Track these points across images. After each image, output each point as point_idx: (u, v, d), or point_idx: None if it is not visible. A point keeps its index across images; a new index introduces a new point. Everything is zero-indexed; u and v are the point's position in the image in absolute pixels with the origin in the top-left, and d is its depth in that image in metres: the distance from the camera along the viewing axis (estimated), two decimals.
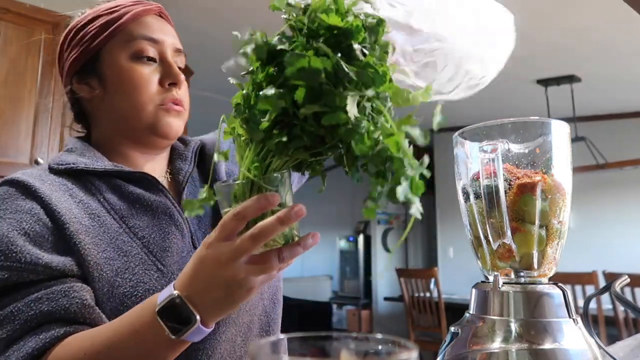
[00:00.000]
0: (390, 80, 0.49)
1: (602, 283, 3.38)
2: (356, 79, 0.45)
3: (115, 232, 0.66)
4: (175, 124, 0.75)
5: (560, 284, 0.58)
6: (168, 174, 0.81)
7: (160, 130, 0.73)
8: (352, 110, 0.43)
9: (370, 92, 0.45)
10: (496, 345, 0.54)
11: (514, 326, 0.54)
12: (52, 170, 0.70)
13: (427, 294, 4.02)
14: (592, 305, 2.99)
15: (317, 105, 0.45)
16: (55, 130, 2.25)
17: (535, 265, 0.59)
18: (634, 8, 0.84)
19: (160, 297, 0.52)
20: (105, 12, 0.74)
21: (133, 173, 0.72)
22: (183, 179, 0.78)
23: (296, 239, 0.51)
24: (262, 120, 0.48)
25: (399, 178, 0.45)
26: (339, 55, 0.46)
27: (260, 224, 0.47)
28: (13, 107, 2.15)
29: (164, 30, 0.77)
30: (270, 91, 0.47)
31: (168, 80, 0.74)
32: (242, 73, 0.50)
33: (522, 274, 0.60)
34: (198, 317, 0.50)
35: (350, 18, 0.46)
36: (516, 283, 0.59)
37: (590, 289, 3.26)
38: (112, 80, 0.73)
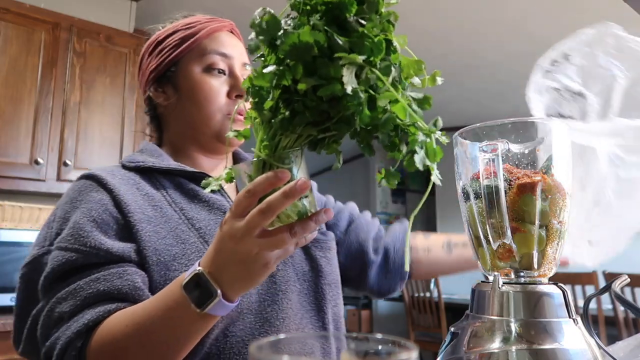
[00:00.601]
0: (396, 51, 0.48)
1: (602, 283, 3.38)
2: (349, 49, 0.45)
3: (175, 222, 0.73)
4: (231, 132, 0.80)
5: (560, 284, 0.58)
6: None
7: (224, 138, 0.81)
8: (348, 80, 0.43)
9: (360, 59, 0.44)
10: (496, 345, 0.54)
11: (513, 326, 0.54)
12: (124, 166, 0.80)
13: (427, 294, 4.02)
14: (592, 305, 2.99)
15: (313, 79, 0.45)
16: (55, 130, 2.25)
17: (535, 265, 0.59)
18: (634, 8, 0.84)
19: (187, 274, 0.56)
20: (183, 27, 0.84)
21: (194, 172, 0.79)
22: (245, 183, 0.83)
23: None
24: (267, 99, 0.48)
25: (413, 146, 0.45)
26: (336, 28, 0.46)
27: (268, 198, 0.48)
28: (13, 107, 2.15)
29: (234, 46, 0.85)
30: (268, 69, 0.47)
31: (235, 92, 0.81)
32: (254, 57, 0.51)
33: (522, 274, 0.60)
34: (219, 291, 0.54)
35: None
36: (516, 283, 0.58)
37: (590, 289, 3.26)
38: (185, 90, 0.82)
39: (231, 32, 0.87)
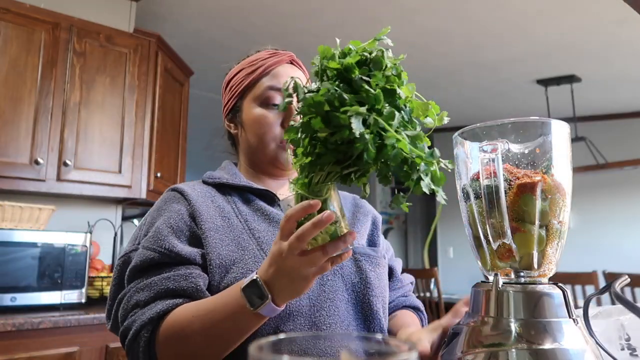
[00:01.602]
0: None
1: (602, 283, 3.38)
2: (356, 102, 0.56)
3: (239, 231, 0.85)
4: (291, 159, 0.86)
5: (560, 284, 0.58)
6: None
7: (279, 164, 0.94)
8: (356, 127, 0.54)
9: (363, 109, 0.55)
10: (496, 345, 0.54)
11: (514, 326, 0.54)
12: (204, 182, 0.95)
13: (427, 294, 4.02)
14: (593, 305, 2.98)
15: (328, 127, 0.57)
16: (55, 130, 2.25)
17: (536, 265, 0.59)
18: (634, 8, 0.84)
19: (246, 279, 0.68)
20: (247, 65, 0.96)
21: (260, 189, 0.92)
22: None
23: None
24: (300, 146, 0.62)
25: (419, 174, 0.56)
26: (346, 86, 0.59)
27: (302, 227, 0.60)
28: (13, 107, 2.15)
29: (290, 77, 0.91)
30: (295, 123, 0.61)
31: (288, 123, 0.91)
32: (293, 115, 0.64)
33: (522, 274, 0.59)
34: (270, 296, 0.65)
35: (347, 59, 0.59)
36: (516, 283, 0.58)
37: (590, 289, 3.26)
38: (246, 123, 0.95)
39: (291, 62, 0.97)
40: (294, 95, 0.64)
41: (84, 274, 2.09)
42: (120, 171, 2.42)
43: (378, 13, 2.92)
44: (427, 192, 0.56)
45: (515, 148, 0.59)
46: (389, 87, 0.58)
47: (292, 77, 0.65)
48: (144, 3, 2.80)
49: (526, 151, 0.59)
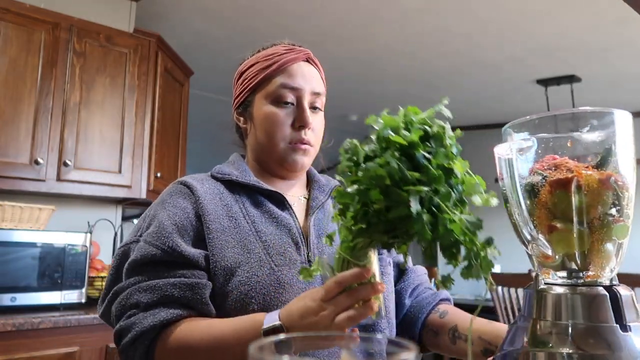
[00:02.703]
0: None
1: None
2: (416, 180, 0.57)
3: (245, 233, 0.83)
4: (300, 161, 0.91)
5: (617, 287, 0.53)
6: (305, 198, 0.98)
7: (287, 165, 0.91)
8: (415, 207, 0.55)
9: (425, 189, 0.56)
10: (546, 347, 0.52)
11: (564, 329, 0.52)
12: (213, 177, 0.92)
13: None
14: None
15: (386, 201, 0.58)
16: (55, 130, 2.24)
17: (579, 266, 0.55)
18: (634, 8, 0.84)
19: (267, 321, 0.67)
20: (262, 59, 0.92)
21: (269, 190, 0.90)
22: (316, 205, 0.94)
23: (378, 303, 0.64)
24: (349, 211, 0.62)
25: (469, 259, 0.56)
26: (406, 160, 0.59)
27: (357, 288, 0.62)
28: (13, 107, 2.15)
29: (306, 77, 0.91)
30: (351, 189, 0.61)
31: (299, 123, 0.89)
32: (346, 177, 0.64)
33: (573, 274, 0.55)
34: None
35: (412, 134, 0.59)
36: (562, 284, 0.55)
37: None
38: (256, 119, 0.92)
39: (307, 60, 0.93)
40: (349, 157, 0.64)
41: (84, 274, 2.09)
42: (120, 171, 2.41)
43: (378, 13, 2.92)
44: (476, 279, 0.56)
45: (588, 138, 0.55)
46: (447, 165, 0.59)
47: (351, 141, 0.64)
48: (144, 3, 2.80)
49: (597, 140, 0.55)
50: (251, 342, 0.65)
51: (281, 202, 0.90)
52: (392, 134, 0.59)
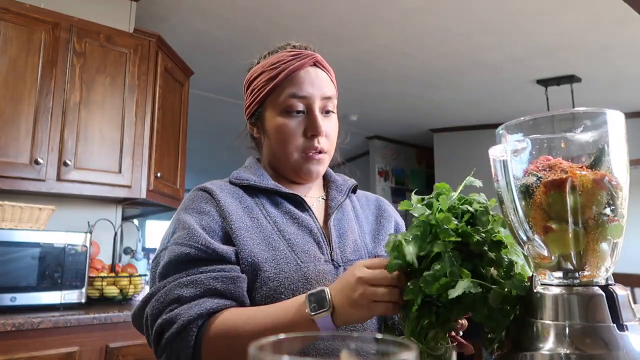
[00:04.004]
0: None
1: None
2: (469, 271, 0.60)
3: (268, 232, 0.85)
4: (315, 169, 0.92)
5: (612, 287, 0.53)
6: (323, 199, 0.99)
7: (301, 174, 0.93)
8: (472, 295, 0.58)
9: (478, 286, 0.59)
10: (544, 349, 0.52)
11: (561, 329, 0.52)
12: (231, 182, 0.94)
13: None
14: None
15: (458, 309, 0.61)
16: (55, 130, 2.24)
17: (576, 266, 0.55)
18: (634, 8, 0.84)
19: (315, 290, 0.70)
20: (269, 67, 0.91)
21: (288, 193, 0.91)
22: (335, 206, 0.96)
23: None
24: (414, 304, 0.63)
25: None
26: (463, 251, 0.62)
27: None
28: (13, 107, 2.15)
29: (314, 83, 0.90)
30: (412, 285, 0.62)
31: (310, 132, 0.89)
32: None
33: (577, 275, 0.55)
34: (331, 308, 0.67)
35: (461, 224, 0.62)
36: (558, 285, 0.55)
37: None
38: (268, 131, 0.93)
39: (314, 64, 0.92)
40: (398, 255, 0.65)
41: (84, 274, 2.09)
42: (120, 171, 2.41)
43: (378, 13, 2.92)
44: None
45: (580, 138, 0.55)
46: (495, 239, 0.62)
47: (395, 235, 0.66)
48: (144, 3, 2.80)
49: (590, 141, 0.55)
50: (297, 313, 0.69)
51: (300, 204, 0.92)
52: (443, 225, 0.62)
